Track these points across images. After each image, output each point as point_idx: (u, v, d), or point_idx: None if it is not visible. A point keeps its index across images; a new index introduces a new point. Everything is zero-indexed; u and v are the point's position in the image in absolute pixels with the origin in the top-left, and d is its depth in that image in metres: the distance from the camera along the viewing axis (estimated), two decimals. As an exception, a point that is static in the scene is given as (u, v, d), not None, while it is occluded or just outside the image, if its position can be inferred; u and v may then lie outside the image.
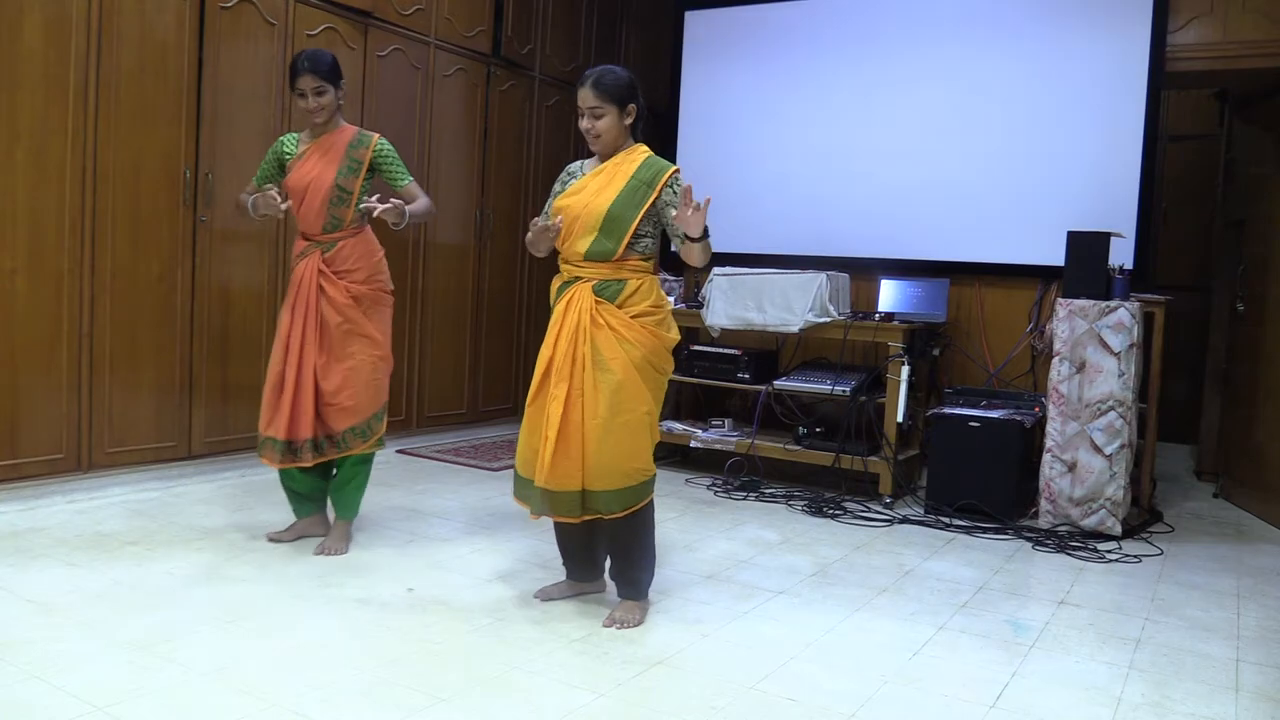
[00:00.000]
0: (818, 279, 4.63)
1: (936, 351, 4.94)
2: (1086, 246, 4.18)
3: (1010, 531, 4.07)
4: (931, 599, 3.20)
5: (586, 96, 2.80)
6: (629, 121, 2.85)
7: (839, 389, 4.63)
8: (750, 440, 4.82)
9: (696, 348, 5.06)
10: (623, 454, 2.74)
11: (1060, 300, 4.17)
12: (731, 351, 4.94)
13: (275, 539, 3.41)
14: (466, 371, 5.56)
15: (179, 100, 3.98)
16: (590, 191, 2.83)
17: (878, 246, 5.20)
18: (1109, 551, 3.86)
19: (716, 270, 4.89)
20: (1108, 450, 4.01)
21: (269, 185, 3.26)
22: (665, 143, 5.98)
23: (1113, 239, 4.23)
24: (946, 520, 4.20)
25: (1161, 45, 4.64)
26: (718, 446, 4.91)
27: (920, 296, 4.93)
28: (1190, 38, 4.64)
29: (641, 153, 2.89)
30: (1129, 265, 4.37)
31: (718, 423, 5.07)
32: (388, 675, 2.38)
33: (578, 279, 2.83)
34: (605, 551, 2.99)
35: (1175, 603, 3.29)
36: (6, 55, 3.44)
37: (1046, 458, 4.14)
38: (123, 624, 2.59)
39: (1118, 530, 4.02)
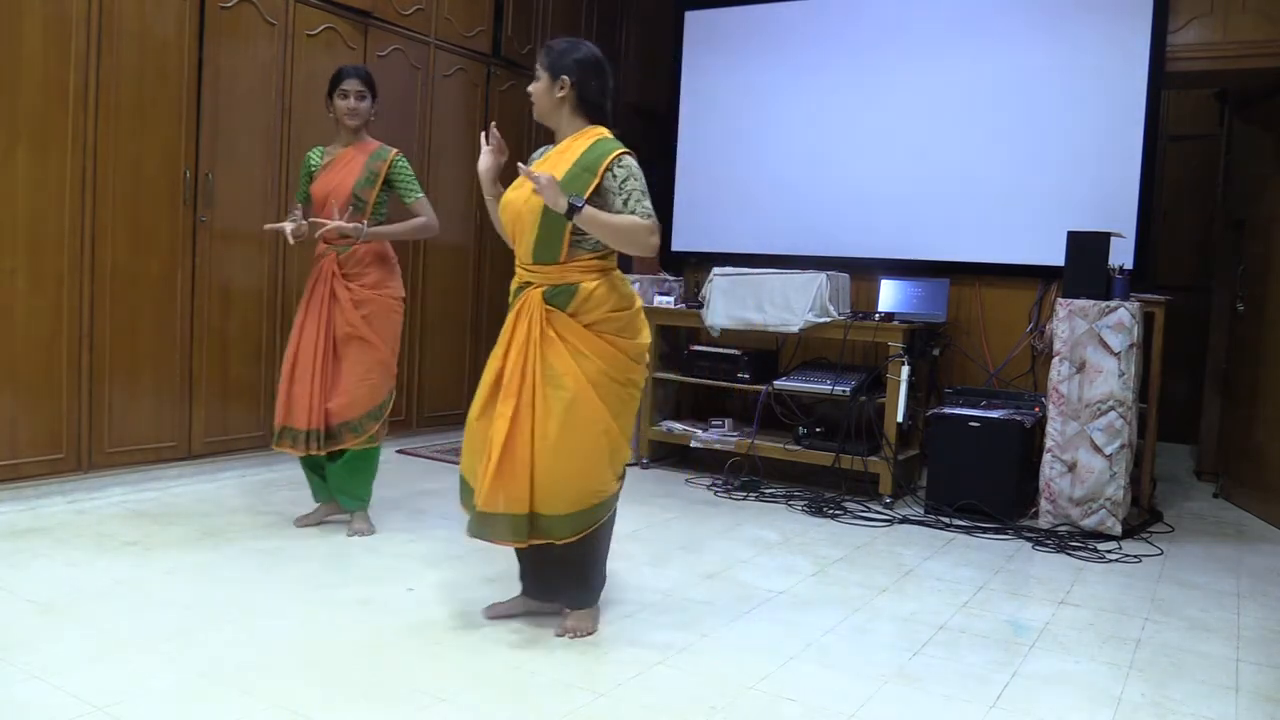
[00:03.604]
0: (818, 279, 4.63)
1: (936, 351, 4.94)
2: (1086, 246, 4.18)
3: (1010, 531, 4.07)
4: (931, 599, 3.20)
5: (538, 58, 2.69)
6: (560, 94, 2.62)
7: (839, 389, 4.63)
8: (750, 440, 4.82)
9: (696, 348, 5.06)
10: (575, 476, 2.56)
11: (1060, 300, 4.17)
12: (731, 351, 4.94)
13: (301, 523, 3.62)
14: (466, 371, 5.55)
15: (179, 100, 3.98)
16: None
17: (878, 246, 5.20)
18: (1109, 551, 3.86)
19: (716, 270, 4.89)
20: (1108, 450, 4.01)
21: (295, 212, 3.47)
22: (665, 143, 5.99)
23: (1113, 239, 4.23)
24: (946, 520, 4.20)
25: (1161, 45, 4.64)
26: (718, 446, 4.91)
27: (920, 296, 4.93)
28: (1190, 38, 4.64)
29: (591, 136, 2.64)
30: (1129, 265, 4.36)
31: (718, 423, 5.07)
32: (388, 675, 2.38)
33: (529, 284, 2.63)
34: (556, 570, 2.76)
35: (1175, 603, 3.29)
36: (6, 55, 3.44)
37: (1046, 458, 4.14)
38: (122, 624, 2.59)
39: (1118, 530, 4.02)
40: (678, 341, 5.28)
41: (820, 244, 5.29)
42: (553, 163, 2.61)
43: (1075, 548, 3.88)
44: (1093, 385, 4.04)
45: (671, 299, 5.12)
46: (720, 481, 4.77)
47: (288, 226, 3.40)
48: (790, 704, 2.34)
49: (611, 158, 2.57)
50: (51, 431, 3.66)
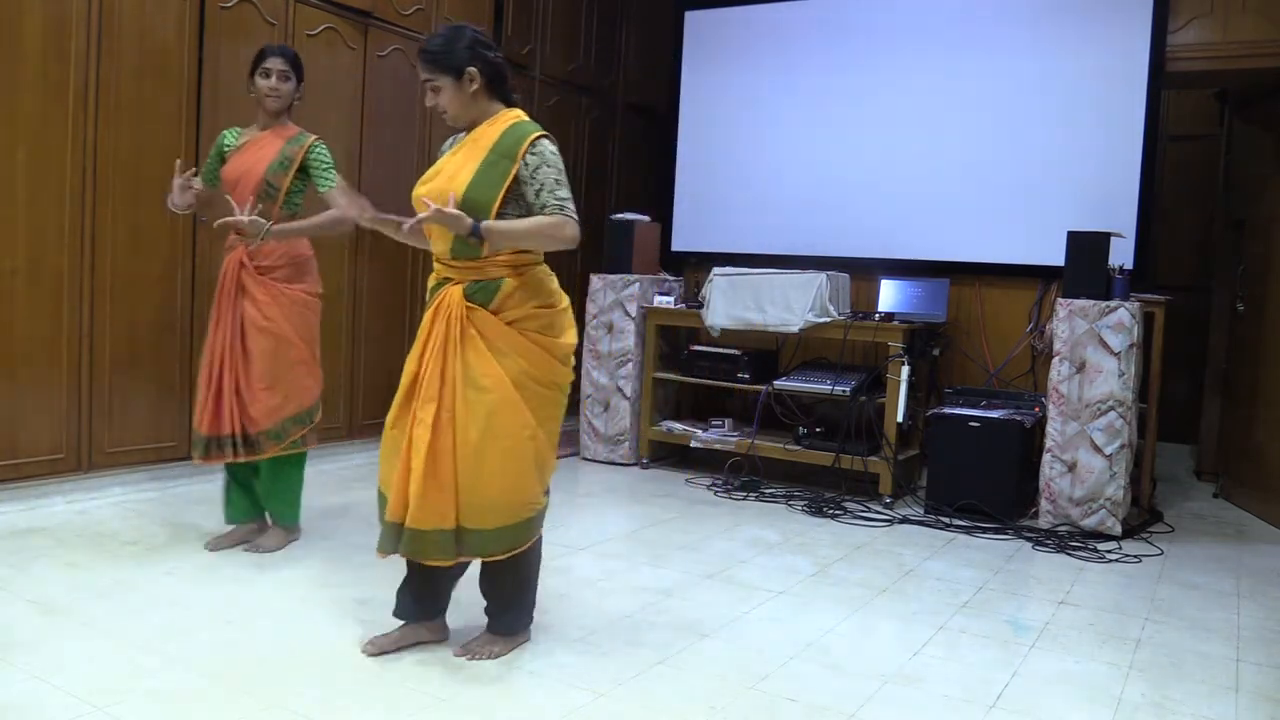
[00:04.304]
0: (818, 279, 4.63)
1: (936, 351, 4.94)
2: (1086, 246, 4.18)
3: (1010, 531, 4.07)
4: (931, 599, 3.20)
5: (420, 69, 2.43)
6: (474, 88, 2.42)
7: (839, 389, 4.63)
8: (750, 440, 4.82)
9: (696, 348, 5.06)
10: (503, 486, 2.39)
11: (1060, 300, 4.17)
12: (731, 351, 4.94)
13: (215, 546, 3.29)
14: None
15: (179, 100, 3.97)
16: (446, 175, 2.43)
17: (878, 246, 5.20)
18: (1109, 551, 3.86)
19: (716, 270, 4.89)
20: (1108, 450, 4.01)
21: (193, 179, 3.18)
22: (665, 143, 5.99)
23: (1113, 239, 4.23)
24: (946, 520, 4.20)
25: (1161, 45, 4.64)
26: (718, 446, 4.91)
27: (920, 296, 4.93)
28: (1190, 38, 4.64)
29: (507, 119, 2.45)
30: (1129, 265, 4.36)
31: (718, 423, 5.07)
32: (388, 675, 2.38)
33: (448, 280, 2.45)
34: (458, 585, 2.60)
35: (1175, 603, 3.29)
36: (6, 55, 3.44)
37: (1046, 458, 4.14)
38: (123, 624, 2.59)
39: (1118, 530, 4.02)
40: (678, 341, 5.28)
41: (820, 244, 5.28)
42: (467, 151, 2.44)
43: (1075, 548, 3.88)
44: (1093, 385, 4.04)
45: (671, 299, 5.12)
46: (720, 481, 4.77)
47: (175, 184, 3.11)
48: (790, 704, 2.34)
49: (528, 143, 2.40)
50: (51, 431, 3.66)
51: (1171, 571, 3.66)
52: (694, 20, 5.85)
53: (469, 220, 2.31)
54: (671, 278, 5.43)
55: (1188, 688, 2.57)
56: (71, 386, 3.71)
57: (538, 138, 2.41)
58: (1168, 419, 5.09)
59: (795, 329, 4.64)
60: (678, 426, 5.11)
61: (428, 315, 2.44)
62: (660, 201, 5.98)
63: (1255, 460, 4.70)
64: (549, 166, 2.40)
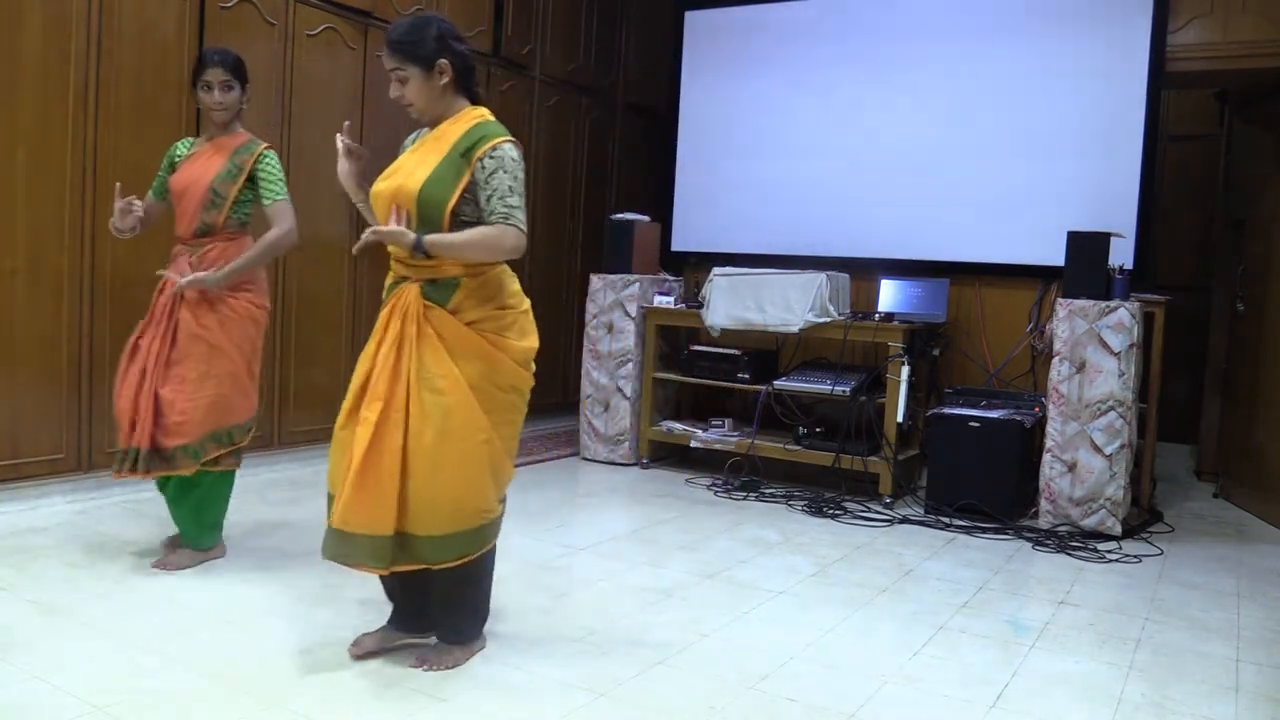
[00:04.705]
0: (818, 279, 4.63)
1: (936, 351, 4.94)
2: (1086, 246, 4.18)
3: (1010, 531, 4.07)
4: (931, 599, 3.20)
5: (386, 58, 2.34)
6: (444, 81, 2.35)
7: (839, 389, 4.63)
8: (750, 440, 4.82)
9: (696, 348, 5.06)
10: (455, 492, 2.31)
11: (1060, 300, 4.17)
12: (731, 351, 4.94)
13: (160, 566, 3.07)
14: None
15: (179, 100, 3.97)
16: (404, 173, 2.36)
17: (878, 246, 5.20)
18: (1109, 551, 3.86)
19: (716, 270, 4.89)
20: (1108, 450, 4.01)
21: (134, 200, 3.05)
22: (665, 143, 5.99)
23: (1113, 239, 4.23)
24: (946, 520, 4.20)
25: (1161, 45, 4.64)
26: (718, 446, 4.91)
27: (920, 296, 4.93)
28: (1190, 38, 4.64)
29: (471, 118, 2.39)
30: (1129, 265, 4.36)
31: (718, 423, 5.07)
32: (388, 675, 2.38)
33: (405, 279, 2.37)
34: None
35: (1175, 603, 3.29)
36: (6, 55, 3.44)
37: (1046, 458, 4.14)
38: (123, 624, 2.59)
39: (1118, 530, 4.02)
40: (678, 341, 5.28)
41: (820, 244, 5.29)
42: (428, 148, 2.37)
43: (1075, 548, 3.88)
44: (1093, 385, 4.04)
45: (671, 299, 5.13)
46: (720, 481, 4.77)
47: (116, 207, 2.99)
48: (790, 704, 2.34)
49: (487, 146, 2.31)
50: (51, 431, 3.66)
51: (1171, 571, 3.66)
52: (694, 20, 5.85)
53: (410, 237, 2.26)
54: (671, 278, 5.43)
55: (1188, 688, 2.57)
56: (71, 386, 3.71)
57: (500, 142, 2.34)
58: (1168, 419, 5.09)
59: (795, 329, 4.64)
60: (678, 426, 5.11)
61: (384, 313, 2.37)
62: (660, 201, 5.98)
63: (1255, 460, 4.70)
64: (505, 172, 2.32)
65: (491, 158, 2.31)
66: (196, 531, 3.12)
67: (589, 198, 6.38)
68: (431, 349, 2.30)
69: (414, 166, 2.35)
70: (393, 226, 2.27)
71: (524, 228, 2.32)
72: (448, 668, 2.42)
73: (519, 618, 2.81)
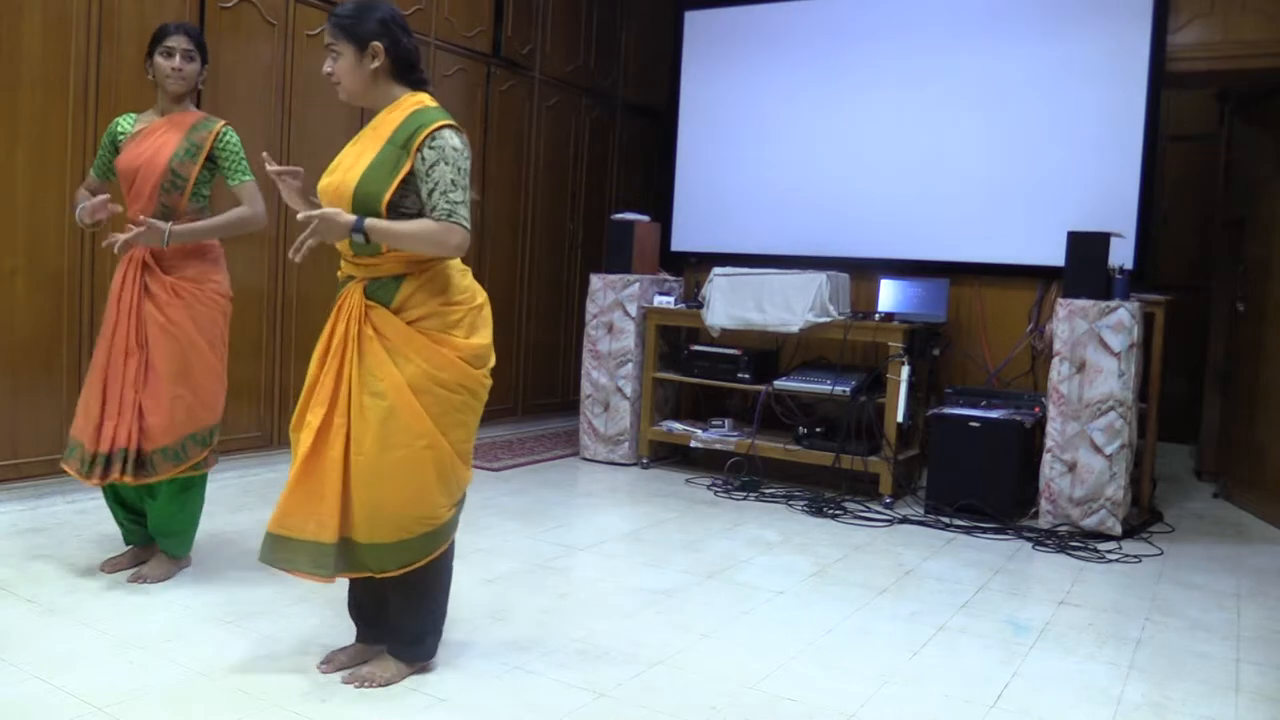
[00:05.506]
0: (818, 279, 4.63)
1: (936, 351, 4.94)
2: (1086, 246, 4.18)
3: (1010, 531, 4.07)
4: (931, 599, 3.20)
5: (326, 32, 2.28)
6: (374, 65, 2.26)
7: (839, 389, 4.63)
8: (750, 440, 4.82)
9: (696, 348, 5.06)
10: (398, 498, 2.22)
11: (1060, 300, 4.17)
12: (731, 351, 4.94)
13: (110, 568, 2.99)
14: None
15: (179, 100, 3.97)
16: (343, 168, 2.27)
17: (878, 246, 5.20)
18: (1109, 551, 3.86)
19: (716, 270, 4.89)
20: (1108, 450, 4.01)
21: (100, 194, 2.89)
22: (665, 143, 5.99)
23: (1113, 239, 4.23)
24: (946, 520, 4.20)
25: (1161, 46, 4.64)
26: (718, 446, 4.91)
27: (920, 296, 4.93)
28: (1190, 38, 4.64)
29: (408, 106, 2.28)
30: (1129, 265, 4.37)
31: (718, 423, 5.07)
32: (388, 675, 2.38)
33: (351, 278, 2.30)
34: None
35: (1175, 603, 3.29)
36: (6, 55, 3.44)
37: (1046, 458, 4.14)
38: (123, 624, 2.59)
39: (1118, 530, 4.02)
40: (678, 341, 5.28)
41: (820, 244, 5.29)
42: (366, 140, 2.28)
43: (1075, 548, 3.88)
44: (1093, 385, 4.04)
45: (671, 299, 5.13)
46: (720, 481, 4.77)
47: (84, 203, 2.82)
48: (790, 704, 2.34)
49: (425, 134, 2.20)
50: (51, 431, 3.66)
51: (1171, 571, 3.66)
52: (694, 20, 5.85)
53: (344, 220, 2.16)
54: (671, 278, 5.43)
55: (1188, 688, 2.57)
56: (71, 386, 3.70)
57: (440, 128, 2.21)
58: (1168, 419, 5.09)
59: (795, 329, 4.64)
60: (678, 426, 5.11)
61: (331, 315, 2.30)
62: (660, 201, 5.98)
63: (1255, 460, 4.70)
64: (446, 164, 2.21)
65: (431, 148, 2.21)
66: (177, 541, 3.00)
67: (589, 198, 6.38)
68: (372, 351, 2.22)
69: (352, 160, 2.27)
70: (323, 213, 2.16)
71: (468, 225, 2.24)
72: (378, 685, 2.29)
73: (519, 618, 2.81)
